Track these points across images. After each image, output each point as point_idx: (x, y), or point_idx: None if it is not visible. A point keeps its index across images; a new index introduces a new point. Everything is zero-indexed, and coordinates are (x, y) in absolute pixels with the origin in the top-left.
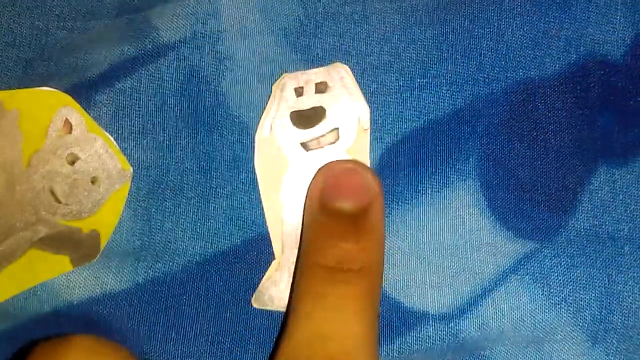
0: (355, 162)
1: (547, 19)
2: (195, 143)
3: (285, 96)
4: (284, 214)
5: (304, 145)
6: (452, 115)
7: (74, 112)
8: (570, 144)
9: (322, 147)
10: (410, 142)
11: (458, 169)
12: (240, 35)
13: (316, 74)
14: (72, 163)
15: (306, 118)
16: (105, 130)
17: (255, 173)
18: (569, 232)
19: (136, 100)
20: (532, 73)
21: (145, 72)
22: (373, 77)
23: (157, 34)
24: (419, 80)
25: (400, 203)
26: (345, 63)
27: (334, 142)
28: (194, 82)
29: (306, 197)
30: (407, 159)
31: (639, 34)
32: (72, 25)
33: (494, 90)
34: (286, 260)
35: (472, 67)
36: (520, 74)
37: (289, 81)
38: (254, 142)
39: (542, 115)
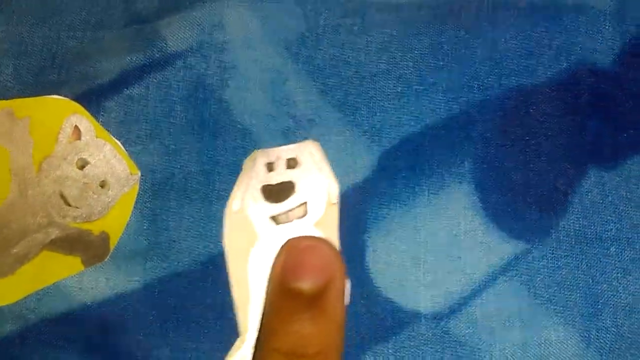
0: (317, 239)
1: (539, 29)
2: (200, 148)
3: (257, 171)
4: (250, 289)
5: (274, 219)
6: (448, 120)
7: (83, 119)
8: (562, 148)
9: (291, 220)
10: (408, 146)
11: (454, 172)
12: (244, 46)
13: (287, 151)
14: (82, 168)
15: (276, 192)
16: (114, 135)
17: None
18: (559, 232)
19: (144, 106)
20: (524, 80)
21: (153, 80)
22: (372, 84)
23: (164, 43)
24: (416, 87)
25: (397, 204)
26: (344, 72)
27: (302, 216)
28: (200, 89)
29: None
30: (404, 162)
31: (626, 43)
32: (82, 35)
33: (488, 97)
34: (251, 338)
35: (467, 75)
36: (513, 81)
37: (260, 157)
38: (225, 215)
39: (535, 121)
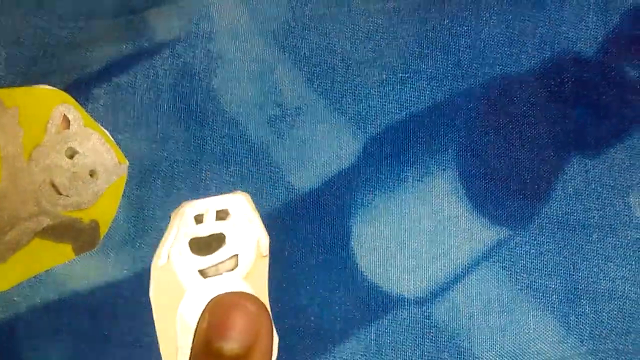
0: (244, 296)
1: (522, 18)
2: (187, 136)
3: (184, 224)
4: (178, 344)
5: (202, 272)
6: (432, 108)
7: (71, 108)
8: (545, 135)
9: (221, 273)
10: (393, 133)
11: (438, 159)
12: (231, 36)
13: (217, 202)
14: (71, 157)
15: (205, 245)
16: (102, 122)
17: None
18: (542, 219)
19: (132, 94)
20: (508, 69)
21: (141, 68)
22: (357, 71)
23: (153, 33)
24: (401, 75)
25: (382, 191)
26: (330, 60)
27: (232, 269)
28: (187, 78)
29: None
30: (389, 149)
31: (610, 33)
32: (73, 25)
33: (472, 85)
34: None
35: (451, 63)
36: (497, 70)
37: (188, 209)
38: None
39: (518, 109)
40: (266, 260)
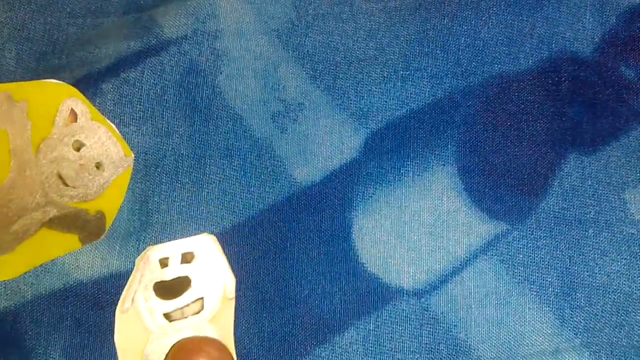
0: (208, 341)
1: (521, 18)
2: (192, 131)
3: (149, 268)
4: None
5: (167, 316)
6: (433, 105)
7: (79, 102)
8: (542, 133)
9: (186, 317)
10: (394, 129)
11: (437, 154)
12: (236, 35)
13: (182, 245)
14: (78, 149)
15: (171, 288)
16: (109, 116)
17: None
18: (539, 214)
19: (139, 89)
20: (506, 68)
21: (148, 65)
22: (359, 69)
23: (160, 30)
24: (402, 72)
25: (383, 185)
26: (333, 57)
27: (197, 312)
28: (193, 75)
29: None
30: (390, 144)
31: (606, 33)
32: (82, 22)
33: (471, 83)
34: None
35: (451, 62)
36: (496, 68)
37: (153, 253)
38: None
39: (516, 107)
40: (232, 303)
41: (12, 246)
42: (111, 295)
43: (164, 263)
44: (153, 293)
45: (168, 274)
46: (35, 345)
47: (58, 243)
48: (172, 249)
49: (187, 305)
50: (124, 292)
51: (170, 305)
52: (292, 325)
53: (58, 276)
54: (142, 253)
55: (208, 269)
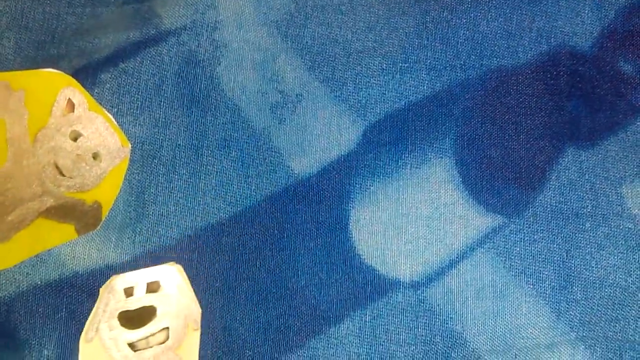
0: None
1: (520, 12)
2: (189, 122)
3: (114, 297)
4: None
5: (132, 345)
6: (431, 98)
7: (76, 92)
8: (540, 126)
9: (151, 346)
10: (392, 121)
11: (435, 147)
12: (235, 26)
13: (147, 274)
14: (75, 139)
15: (135, 318)
16: (107, 106)
17: None
18: (536, 207)
19: (137, 79)
20: (505, 61)
21: (147, 55)
22: (358, 60)
23: (159, 21)
24: (400, 64)
25: (381, 177)
26: (331, 49)
27: (163, 342)
28: (192, 65)
29: None
30: (388, 137)
31: (605, 28)
32: (81, 12)
33: (470, 77)
34: None
35: (450, 55)
36: (495, 62)
37: (118, 282)
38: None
39: (514, 100)
40: (197, 334)
41: (8, 235)
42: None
43: (129, 292)
44: (118, 322)
45: (133, 304)
46: (29, 335)
47: (54, 233)
48: (138, 278)
49: (152, 334)
50: (88, 322)
51: (135, 335)
52: (288, 316)
53: (54, 267)
54: (107, 282)
55: (174, 299)
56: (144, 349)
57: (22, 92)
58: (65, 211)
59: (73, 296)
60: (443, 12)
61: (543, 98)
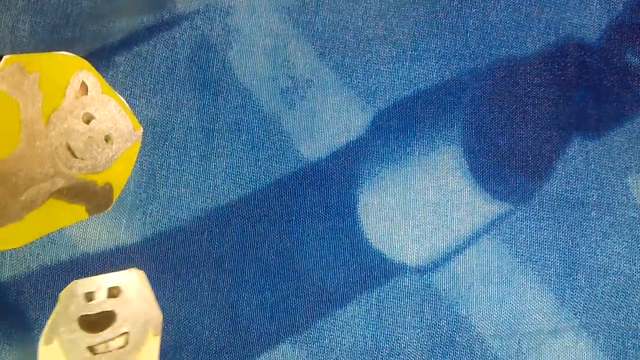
0: None
1: (529, 3)
2: (201, 105)
3: (75, 302)
4: None
5: (92, 349)
6: (440, 86)
7: (90, 75)
8: (548, 116)
9: (111, 350)
10: (401, 109)
11: (444, 134)
12: (248, 11)
13: (108, 279)
14: (88, 122)
15: (96, 322)
16: (120, 88)
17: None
18: (542, 195)
19: (150, 62)
20: (514, 51)
21: (160, 38)
22: (368, 48)
23: (173, 5)
24: (410, 52)
25: (390, 163)
26: (342, 36)
27: (122, 347)
28: (204, 50)
29: None
30: (397, 124)
31: (613, 20)
32: None
33: (479, 66)
34: None
35: (459, 44)
36: (503, 51)
37: (80, 286)
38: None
39: (522, 90)
40: (158, 340)
41: (21, 215)
42: (116, 268)
43: (89, 297)
44: (78, 326)
45: (93, 308)
46: (39, 315)
47: (65, 213)
48: (99, 283)
49: (112, 339)
50: (47, 325)
51: (95, 338)
52: (295, 297)
53: (64, 248)
54: (68, 286)
55: (134, 304)
56: (103, 352)
57: (36, 74)
58: (77, 192)
59: (83, 277)
60: (453, 1)
61: (551, 88)
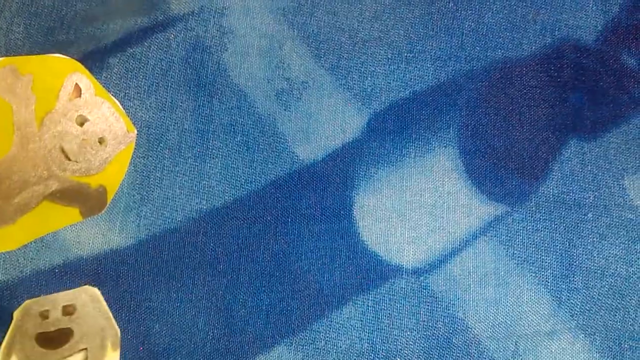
0: None
1: (525, 4)
2: (195, 106)
3: (29, 320)
4: None
5: None
6: (436, 88)
7: (84, 78)
8: (544, 118)
9: None
10: (396, 110)
11: (439, 136)
12: (242, 13)
13: (62, 298)
14: (81, 124)
15: (53, 339)
16: (114, 90)
17: None
18: (539, 197)
19: (144, 64)
20: (509, 53)
21: (155, 40)
22: (363, 49)
23: (167, 6)
24: (406, 54)
25: (385, 165)
26: (337, 37)
27: None
28: (198, 51)
29: None
30: (393, 125)
31: (609, 22)
32: None
33: (474, 68)
34: None
35: (455, 45)
36: (499, 53)
37: (33, 306)
38: None
39: (518, 92)
40: (117, 354)
41: (14, 218)
42: (110, 271)
43: (44, 315)
44: (35, 343)
45: (49, 326)
46: None
47: (59, 216)
48: (52, 302)
49: (71, 355)
50: (4, 343)
51: (53, 355)
52: (291, 300)
53: (58, 251)
54: (21, 306)
55: (90, 320)
56: None
57: (29, 76)
58: (70, 194)
59: (77, 281)
60: (449, 3)
61: (547, 90)
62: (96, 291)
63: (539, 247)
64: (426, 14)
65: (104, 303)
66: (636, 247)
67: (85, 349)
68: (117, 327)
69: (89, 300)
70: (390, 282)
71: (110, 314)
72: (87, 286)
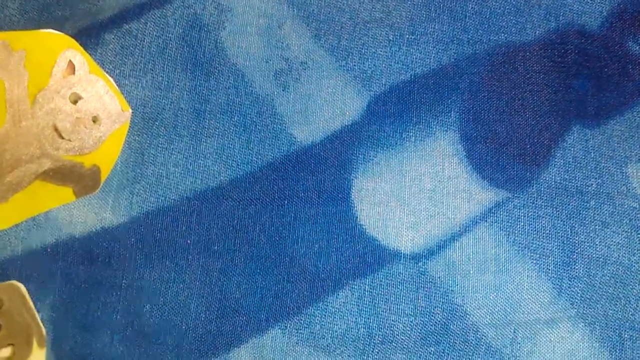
0: None
1: None
2: (192, 85)
3: None
4: None
5: None
6: (437, 71)
7: (77, 54)
8: (547, 103)
9: None
10: (397, 93)
11: (440, 120)
12: None
13: None
14: (75, 102)
15: None
16: (110, 67)
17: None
18: (540, 184)
19: (141, 41)
20: (513, 37)
21: (151, 16)
22: (365, 31)
23: None
24: (407, 36)
25: (385, 148)
26: (338, 18)
27: (10, 357)
28: (196, 29)
29: None
30: (393, 108)
31: (615, 7)
32: None
33: (477, 51)
34: None
35: (458, 28)
36: (502, 37)
37: None
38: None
39: (521, 77)
40: (43, 353)
41: (6, 197)
42: (102, 249)
43: None
44: None
45: None
46: None
47: (52, 195)
48: None
49: None
50: None
51: None
52: (286, 283)
53: (50, 231)
54: None
55: (16, 316)
56: None
57: (22, 52)
58: (63, 174)
59: (69, 260)
60: None
61: (550, 75)
62: (22, 287)
63: (540, 234)
64: None
65: (30, 300)
66: (639, 235)
67: (13, 345)
68: (41, 325)
69: (15, 295)
70: (388, 267)
71: (36, 312)
72: (13, 281)
